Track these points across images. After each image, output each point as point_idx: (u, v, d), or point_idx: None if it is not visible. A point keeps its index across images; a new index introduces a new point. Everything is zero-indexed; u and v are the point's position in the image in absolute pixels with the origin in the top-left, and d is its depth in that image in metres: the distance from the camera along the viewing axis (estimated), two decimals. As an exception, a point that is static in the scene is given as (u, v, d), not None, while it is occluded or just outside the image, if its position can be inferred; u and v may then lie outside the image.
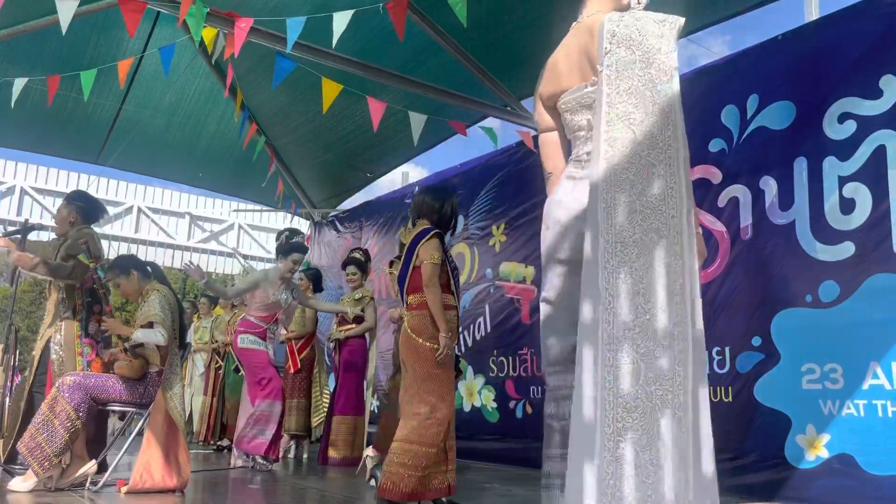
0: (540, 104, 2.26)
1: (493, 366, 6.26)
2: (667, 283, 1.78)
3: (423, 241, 3.51)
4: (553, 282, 2.12)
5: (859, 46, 3.95)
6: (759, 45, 4.55)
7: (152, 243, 11.19)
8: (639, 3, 2.11)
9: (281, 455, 6.42)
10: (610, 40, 1.94)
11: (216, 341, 7.67)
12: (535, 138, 6.00)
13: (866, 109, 3.86)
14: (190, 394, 8.11)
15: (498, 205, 6.54)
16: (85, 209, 4.58)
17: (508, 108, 6.42)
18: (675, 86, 1.88)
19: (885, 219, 3.71)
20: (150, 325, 3.89)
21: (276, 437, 5.35)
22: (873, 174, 3.78)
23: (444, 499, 3.40)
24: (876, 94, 3.83)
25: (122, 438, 4.48)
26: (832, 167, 3.98)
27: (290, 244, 5.63)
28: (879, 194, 3.73)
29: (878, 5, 3.91)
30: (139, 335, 3.86)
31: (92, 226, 4.60)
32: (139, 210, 10.37)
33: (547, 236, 2.13)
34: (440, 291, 3.45)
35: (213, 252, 11.08)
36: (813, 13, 4.42)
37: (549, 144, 2.26)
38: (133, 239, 10.02)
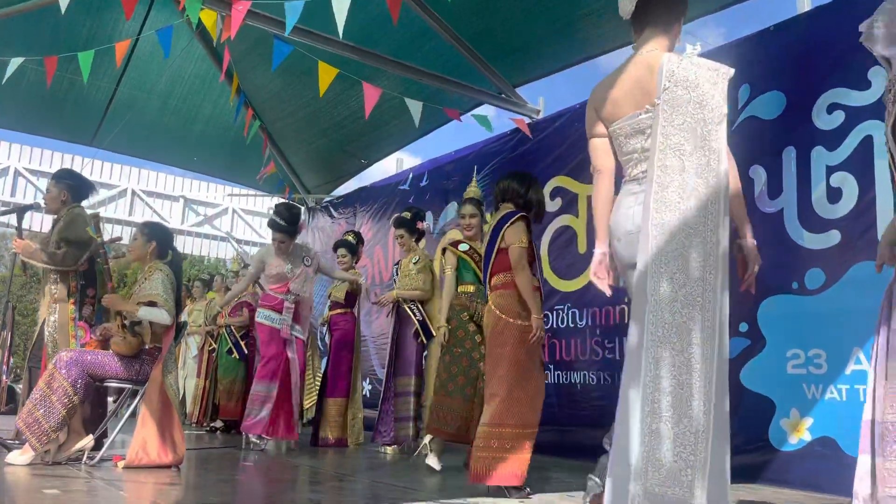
0: (594, 115, 2.50)
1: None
2: (702, 293, 2.08)
3: (510, 223, 3.59)
4: (631, 283, 2.41)
5: (849, 38, 3.99)
6: (751, 36, 4.61)
7: (157, 223, 11.20)
8: (694, 49, 2.36)
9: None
10: (669, 79, 2.22)
11: (210, 325, 7.72)
12: (530, 125, 6.07)
13: (854, 100, 3.93)
14: (183, 376, 8.17)
15: (492, 191, 6.58)
16: (74, 187, 4.60)
17: (503, 96, 6.46)
18: (723, 128, 2.18)
19: (870, 208, 3.78)
20: (152, 304, 3.94)
21: (277, 417, 5.36)
22: (860, 164, 3.85)
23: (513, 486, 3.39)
24: (864, 85, 3.89)
25: (115, 418, 4.54)
26: (820, 157, 4.05)
27: (272, 218, 5.70)
28: (866, 184, 3.80)
29: (868, -2, 3.97)
30: (144, 313, 3.90)
31: (82, 203, 4.64)
32: (133, 193, 10.36)
33: (619, 247, 2.40)
34: (530, 273, 3.54)
35: (206, 236, 11.09)
36: (805, 4, 4.47)
37: (601, 146, 2.51)
38: (127, 221, 10.01)
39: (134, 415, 4.07)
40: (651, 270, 2.13)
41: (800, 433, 3.89)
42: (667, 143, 2.19)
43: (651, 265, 2.13)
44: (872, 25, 2.29)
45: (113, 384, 4.05)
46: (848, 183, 3.90)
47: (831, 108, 4.04)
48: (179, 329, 4.27)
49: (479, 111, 6.56)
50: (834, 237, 3.92)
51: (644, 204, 2.22)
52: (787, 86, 4.28)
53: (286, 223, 5.51)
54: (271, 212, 5.85)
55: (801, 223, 4.09)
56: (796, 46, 4.29)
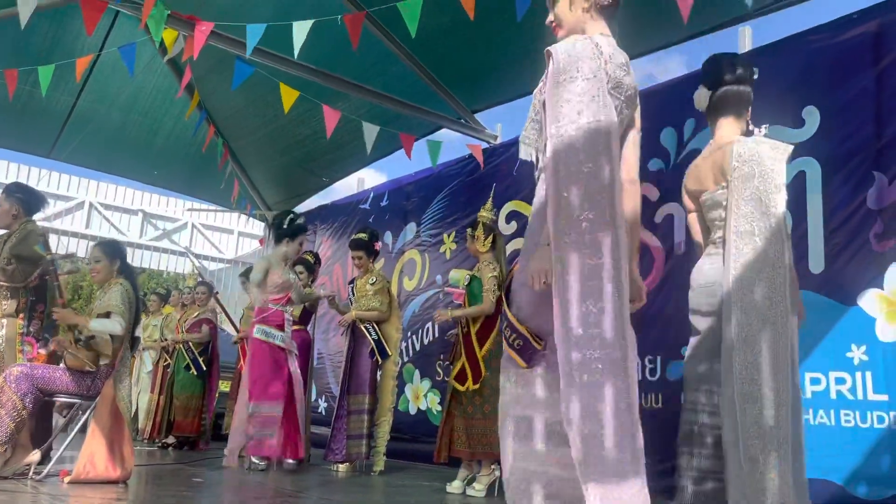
0: (686, 193, 3.09)
1: (439, 370, 6.42)
2: (772, 339, 2.54)
3: None
4: (698, 326, 2.90)
5: (786, 78, 4.24)
6: (697, 73, 4.82)
7: (99, 240, 11.11)
8: (760, 131, 2.86)
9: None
10: (737, 159, 2.73)
11: (165, 339, 7.67)
12: (485, 151, 6.21)
13: (790, 137, 4.13)
14: (137, 391, 8.08)
15: (450, 213, 6.72)
16: (26, 201, 4.58)
17: (462, 121, 6.61)
18: (782, 195, 2.66)
19: (803, 240, 3.98)
20: (108, 315, 3.96)
21: (286, 438, 5.26)
22: (794, 198, 4.03)
23: None
24: (799, 123, 4.12)
25: (64, 432, 4.51)
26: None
27: (295, 226, 5.58)
28: (799, 217, 4.01)
29: (803, 41, 4.21)
30: (96, 325, 3.91)
31: (34, 217, 4.62)
32: (91, 206, 10.27)
33: (692, 296, 2.92)
34: None
35: (164, 250, 11.02)
36: (746, 44, 4.70)
37: (695, 223, 3.08)
38: (83, 234, 9.91)
39: (84, 429, 4.07)
40: (725, 315, 2.65)
41: (735, 454, 4.05)
42: (738, 212, 2.68)
43: (726, 310, 2.65)
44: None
45: (63, 399, 4.04)
46: (783, 215, 4.10)
47: (769, 143, 4.25)
48: (134, 343, 4.28)
49: (437, 136, 6.70)
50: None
51: (725, 262, 2.70)
52: (730, 121, 4.49)
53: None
54: (291, 218, 5.67)
55: (740, 252, 4.29)
56: (738, 84, 4.51)
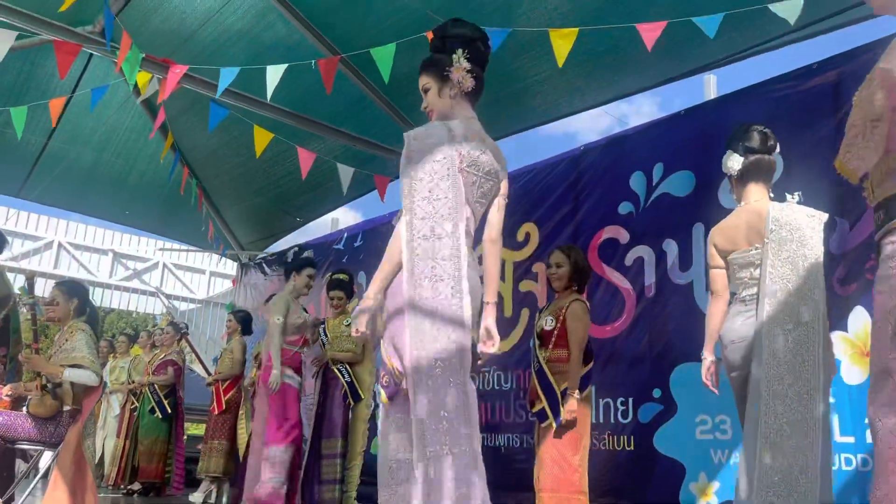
0: (714, 250, 3.15)
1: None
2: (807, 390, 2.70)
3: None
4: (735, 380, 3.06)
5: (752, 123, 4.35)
6: (665, 119, 4.95)
7: (58, 280, 10.94)
8: (793, 197, 3.01)
9: (202, 500, 6.33)
10: (775, 223, 2.89)
11: (133, 381, 7.53)
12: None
13: (755, 182, 4.24)
14: (103, 436, 7.90)
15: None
16: None
17: (436, 163, 6.67)
18: (820, 262, 2.81)
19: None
20: (77, 365, 3.87)
21: (295, 485, 5.10)
22: (760, 241, 4.14)
23: None
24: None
25: (26, 480, 4.38)
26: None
27: (301, 259, 5.44)
28: (765, 260, 4.08)
29: (766, 89, 4.34)
30: (70, 374, 3.82)
31: None
32: (59, 245, 10.13)
33: (726, 353, 3.05)
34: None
35: (134, 290, 10.87)
36: (711, 92, 4.84)
37: (719, 277, 3.14)
38: (52, 275, 9.75)
39: (46, 477, 3.96)
40: (755, 363, 2.84)
41: (707, 496, 4.05)
42: (774, 272, 2.83)
43: (756, 360, 2.82)
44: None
45: (25, 446, 3.93)
46: (750, 259, 4.18)
47: (735, 188, 4.34)
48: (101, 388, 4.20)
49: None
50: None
51: (758, 319, 2.84)
52: (697, 166, 4.59)
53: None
54: (295, 252, 5.58)
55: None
56: (705, 130, 4.62)
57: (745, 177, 3.12)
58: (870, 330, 3.58)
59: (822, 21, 4.17)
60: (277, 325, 5.02)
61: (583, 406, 3.67)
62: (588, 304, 3.95)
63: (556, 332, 3.79)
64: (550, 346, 3.79)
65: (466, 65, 2.49)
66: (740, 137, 3.17)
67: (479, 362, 2.52)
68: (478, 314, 2.44)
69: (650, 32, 3.59)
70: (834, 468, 3.66)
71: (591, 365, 3.83)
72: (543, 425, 3.69)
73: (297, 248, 5.61)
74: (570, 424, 3.59)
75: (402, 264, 2.31)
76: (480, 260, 2.49)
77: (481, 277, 2.44)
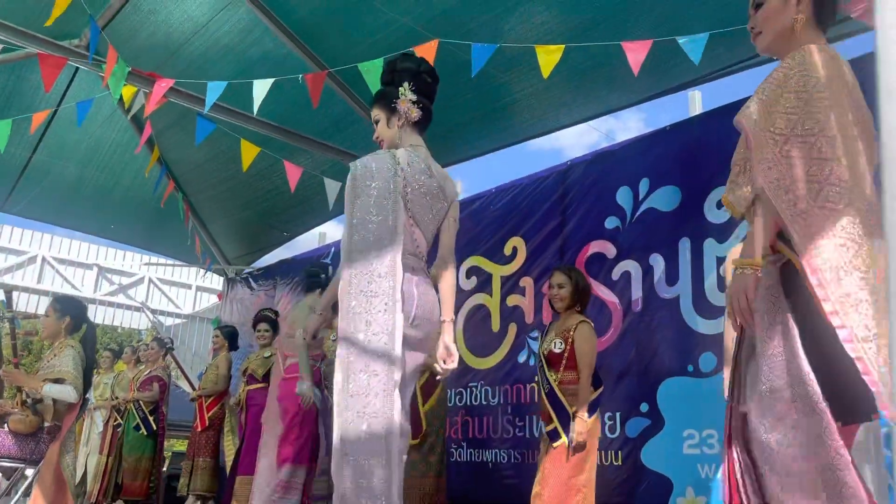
0: None
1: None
2: None
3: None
4: None
5: (735, 140, 4.36)
6: (651, 134, 4.98)
7: (56, 294, 10.85)
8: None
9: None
10: None
11: (116, 398, 7.44)
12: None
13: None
14: (86, 453, 7.79)
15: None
16: None
17: (423, 177, 6.68)
18: None
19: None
20: (59, 381, 3.83)
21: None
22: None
23: None
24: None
25: (7, 497, 4.31)
26: (711, 248, 4.36)
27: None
28: (750, 274, 4.10)
29: (750, 105, 4.38)
30: (49, 390, 3.78)
31: None
32: (43, 260, 10.04)
33: None
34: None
35: (119, 305, 10.78)
36: (696, 108, 4.88)
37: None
38: (35, 290, 9.66)
39: (28, 494, 3.90)
40: None
41: (695, 512, 4.04)
42: None
43: None
44: None
45: (5, 464, 3.87)
46: (735, 273, 4.20)
47: (720, 203, 4.37)
48: (83, 404, 4.15)
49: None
50: (724, 323, 4.18)
51: None
52: (683, 181, 4.62)
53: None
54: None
55: (696, 309, 4.36)
56: (690, 145, 4.65)
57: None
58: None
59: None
60: (303, 338, 4.71)
61: (592, 428, 3.73)
62: (592, 324, 4.00)
63: (565, 354, 3.85)
64: (561, 369, 3.86)
65: (412, 97, 2.69)
66: None
67: (438, 377, 2.73)
68: (436, 333, 2.61)
69: (635, 53, 3.61)
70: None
71: (601, 389, 3.89)
72: (555, 445, 3.73)
73: (325, 264, 5.45)
74: (581, 446, 3.65)
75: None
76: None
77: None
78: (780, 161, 1.83)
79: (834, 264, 1.72)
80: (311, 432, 4.88)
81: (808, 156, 1.79)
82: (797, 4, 1.99)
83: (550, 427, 3.81)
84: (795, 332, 1.76)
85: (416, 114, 2.71)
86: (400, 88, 2.69)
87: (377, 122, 2.79)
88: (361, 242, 2.48)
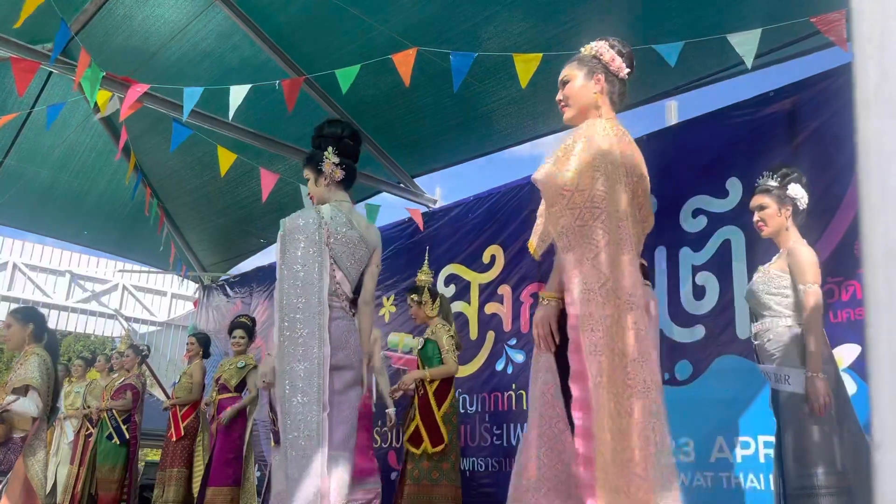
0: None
1: (377, 437, 6.28)
2: None
3: None
4: None
5: (710, 150, 4.44)
6: (627, 143, 5.01)
7: (27, 301, 10.66)
8: None
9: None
10: None
11: (88, 407, 7.32)
12: (425, 215, 6.27)
13: (715, 207, 4.32)
14: (56, 462, 7.64)
15: (389, 276, 6.70)
16: None
17: (401, 185, 6.68)
18: None
19: (729, 306, 4.11)
20: (25, 389, 3.77)
21: None
22: (720, 265, 4.20)
23: None
24: (723, 193, 4.29)
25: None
26: (687, 257, 4.39)
27: None
28: (725, 284, 4.14)
29: (725, 116, 4.43)
30: (13, 403, 3.71)
31: None
32: (14, 266, 9.87)
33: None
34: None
35: (92, 313, 10.62)
36: (672, 118, 4.92)
37: None
38: (5, 297, 9.49)
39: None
40: None
41: (671, 520, 4.05)
42: None
43: None
44: None
45: (-28, 474, 3.79)
46: (710, 282, 4.24)
47: (696, 212, 4.41)
48: (52, 413, 4.08)
49: (377, 199, 6.76)
50: (699, 332, 4.22)
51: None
52: (659, 190, 4.63)
53: None
54: None
55: (671, 318, 4.39)
56: (666, 155, 4.68)
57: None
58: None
59: (779, 50, 4.28)
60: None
61: None
62: None
63: None
64: None
65: (336, 159, 3.07)
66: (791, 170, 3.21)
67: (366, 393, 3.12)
68: (359, 362, 3.00)
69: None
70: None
71: None
72: None
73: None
74: None
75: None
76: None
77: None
78: (565, 213, 2.21)
79: (587, 287, 2.12)
80: None
81: (585, 207, 2.19)
82: (596, 85, 2.44)
83: None
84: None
85: (339, 174, 3.08)
86: (325, 152, 3.07)
87: (307, 180, 3.18)
88: (291, 287, 2.84)
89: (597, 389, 2.04)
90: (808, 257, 3.00)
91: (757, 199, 3.19)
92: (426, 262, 5.04)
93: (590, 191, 2.19)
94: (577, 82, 2.48)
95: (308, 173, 3.16)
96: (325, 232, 2.93)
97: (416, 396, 4.64)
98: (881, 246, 0.58)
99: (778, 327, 3.01)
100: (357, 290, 3.09)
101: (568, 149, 2.28)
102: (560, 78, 2.54)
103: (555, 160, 2.29)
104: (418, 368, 4.70)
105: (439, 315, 4.75)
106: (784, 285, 3.03)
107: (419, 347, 4.75)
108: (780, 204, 3.13)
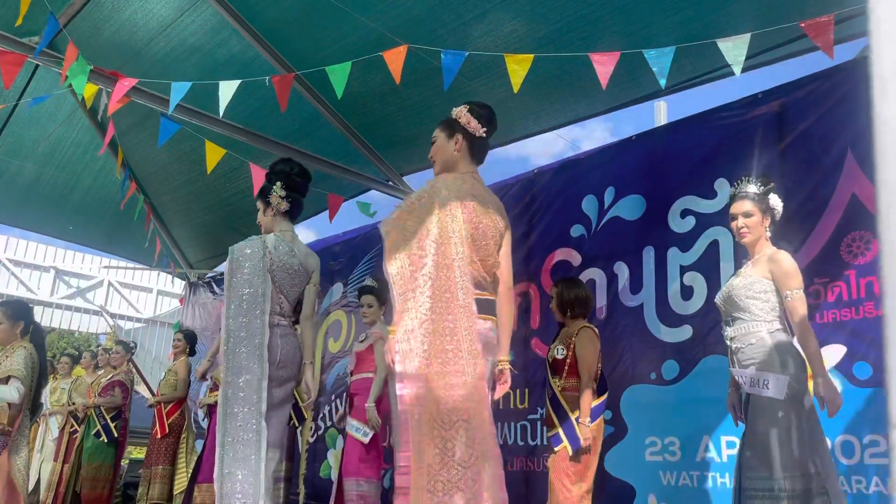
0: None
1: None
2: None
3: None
4: None
5: (699, 151, 4.46)
6: (616, 144, 5.03)
7: (10, 298, 10.54)
8: None
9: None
10: None
11: (73, 403, 7.26)
12: (414, 213, 6.25)
13: (703, 207, 4.33)
14: (39, 460, 7.57)
15: (377, 274, 6.69)
16: None
17: (390, 183, 6.66)
18: None
19: (716, 307, 4.12)
20: (7, 379, 3.74)
21: None
22: (708, 265, 4.22)
23: None
24: (711, 194, 4.31)
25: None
26: (675, 257, 4.41)
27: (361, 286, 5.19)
28: (713, 284, 4.15)
29: (714, 117, 4.45)
30: None
31: None
32: (-2, 261, 9.78)
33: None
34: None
35: (77, 309, 10.53)
36: (662, 118, 4.94)
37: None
38: (-13, 293, 9.39)
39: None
40: None
41: (657, 518, 4.07)
42: None
43: None
44: None
45: (-47, 471, 3.74)
46: (698, 282, 4.25)
47: (684, 213, 4.43)
48: (36, 409, 4.05)
49: (366, 197, 6.74)
50: (687, 331, 4.24)
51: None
52: (647, 190, 4.67)
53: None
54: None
55: (659, 317, 4.40)
56: (655, 155, 4.71)
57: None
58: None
59: (767, 52, 4.30)
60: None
61: (594, 438, 3.77)
62: (596, 330, 4.01)
63: (567, 360, 3.88)
64: (564, 376, 3.89)
65: (282, 193, 3.52)
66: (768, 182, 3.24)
67: (304, 404, 3.82)
68: (299, 373, 3.41)
69: (603, 65, 3.63)
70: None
71: (604, 397, 3.90)
72: (557, 449, 3.77)
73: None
74: (585, 451, 3.68)
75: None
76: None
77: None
78: (402, 258, 2.57)
79: (408, 328, 2.52)
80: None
81: (418, 253, 2.56)
82: (455, 144, 2.85)
83: (552, 433, 3.84)
84: None
85: (284, 206, 3.55)
86: (274, 186, 3.52)
87: (258, 210, 3.63)
88: (237, 309, 3.24)
89: (412, 414, 2.48)
90: (792, 263, 3.02)
91: (742, 206, 3.17)
92: None
93: (426, 240, 2.57)
94: (440, 143, 2.90)
95: (259, 204, 3.61)
96: (269, 259, 3.35)
97: None
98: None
99: (759, 332, 3.00)
100: (298, 309, 3.52)
101: (412, 203, 2.70)
102: (432, 138, 2.95)
103: (400, 211, 2.69)
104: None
105: None
106: (766, 290, 3.03)
107: None
108: (762, 213, 3.16)
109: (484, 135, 2.90)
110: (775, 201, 3.20)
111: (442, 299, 2.49)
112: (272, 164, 3.62)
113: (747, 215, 3.15)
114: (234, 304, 3.24)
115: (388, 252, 2.63)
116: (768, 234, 3.18)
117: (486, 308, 2.70)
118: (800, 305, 2.93)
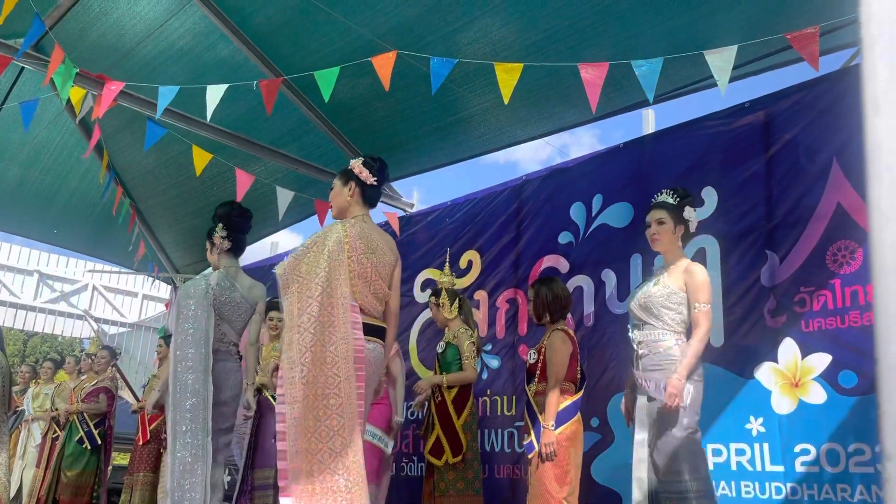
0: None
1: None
2: None
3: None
4: None
5: (686, 159, 4.48)
6: (604, 151, 5.05)
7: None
8: None
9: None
10: None
11: (56, 409, 7.17)
12: (401, 219, 6.25)
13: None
14: (21, 466, 7.48)
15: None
16: None
17: (379, 188, 6.64)
18: None
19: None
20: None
21: None
22: (694, 273, 4.22)
23: None
24: (698, 202, 4.32)
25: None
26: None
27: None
28: (699, 291, 4.16)
29: (700, 126, 4.47)
30: None
31: None
32: (-21, 265, 9.67)
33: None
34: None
35: (61, 313, 10.42)
36: (650, 126, 4.96)
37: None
38: (-29, 296, 9.29)
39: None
40: None
41: (643, 526, 4.06)
42: None
43: None
44: None
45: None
46: (685, 290, 4.25)
47: (671, 220, 4.43)
48: (16, 417, 4.00)
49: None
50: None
51: None
52: (635, 198, 4.68)
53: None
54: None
55: (646, 325, 4.40)
56: (642, 163, 4.72)
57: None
58: (798, 360, 3.70)
59: (754, 62, 4.33)
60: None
61: (568, 439, 3.68)
62: (568, 332, 3.94)
63: (539, 365, 3.86)
64: (536, 380, 3.87)
65: (223, 233, 4.00)
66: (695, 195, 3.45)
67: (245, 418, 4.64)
68: (239, 397, 3.97)
69: (592, 77, 3.62)
70: (763, 496, 3.75)
71: (576, 396, 3.81)
72: (530, 456, 3.74)
73: None
74: (549, 457, 3.61)
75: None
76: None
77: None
78: (293, 296, 2.96)
79: (292, 359, 2.91)
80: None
81: (307, 294, 2.94)
82: (349, 191, 3.22)
83: (527, 440, 3.80)
84: None
85: (226, 245, 4.00)
86: (216, 228, 3.98)
87: (206, 250, 4.10)
88: (184, 342, 3.68)
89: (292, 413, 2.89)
90: (705, 277, 3.24)
91: (656, 213, 3.39)
92: (447, 263, 5.02)
93: (313, 280, 2.93)
94: (336, 189, 3.28)
95: (207, 244, 4.08)
96: (213, 295, 3.81)
97: (434, 404, 4.51)
98: (891, 255, 0.57)
99: (666, 341, 3.20)
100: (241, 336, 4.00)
101: (305, 250, 3.03)
102: (331, 185, 3.33)
103: (293, 257, 3.03)
104: (435, 373, 4.62)
105: (459, 317, 4.67)
106: (680, 302, 3.23)
107: (440, 351, 4.63)
108: (675, 222, 3.35)
109: (375, 183, 3.26)
110: (689, 213, 3.39)
111: (324, 334, 2.91)
112: (216, 209, 4.08)
113: (660, 223, 3.36)
114: (180, 338, 3.69)
115: (281, 293, 3.03)
116: (680, 243, 3.39)
117: (373, 332, 3.12)
118: (704, 320, 3.14)
